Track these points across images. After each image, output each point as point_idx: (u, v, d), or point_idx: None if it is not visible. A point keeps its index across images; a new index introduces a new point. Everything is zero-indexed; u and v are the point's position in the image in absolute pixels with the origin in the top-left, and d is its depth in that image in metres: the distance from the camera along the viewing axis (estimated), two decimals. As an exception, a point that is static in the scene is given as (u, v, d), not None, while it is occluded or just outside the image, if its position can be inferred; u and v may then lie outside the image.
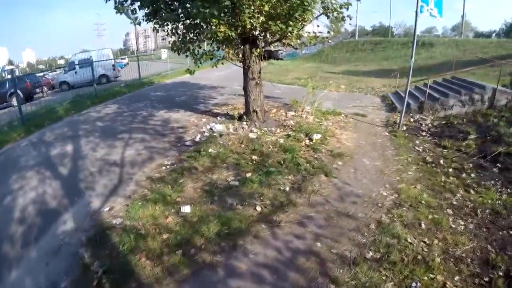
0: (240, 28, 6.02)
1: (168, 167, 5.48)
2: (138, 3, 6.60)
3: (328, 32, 7.62)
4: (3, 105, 15.30)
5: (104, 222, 4.06)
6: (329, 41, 7.67)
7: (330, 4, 6.46)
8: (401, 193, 4.44)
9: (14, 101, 17.34)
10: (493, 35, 49.24)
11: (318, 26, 8.10)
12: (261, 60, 7.15)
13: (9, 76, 22.44)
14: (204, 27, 6.30)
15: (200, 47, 7.15)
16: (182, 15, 6.51)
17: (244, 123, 7.16)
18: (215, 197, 4.42)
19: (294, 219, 3.89)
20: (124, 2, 6.52)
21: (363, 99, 10.83)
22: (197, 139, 6.70)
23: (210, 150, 5.71)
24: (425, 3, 6.56)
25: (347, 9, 6.53)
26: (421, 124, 7.57)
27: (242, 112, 7.90)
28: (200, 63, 7.02)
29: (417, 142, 6.49)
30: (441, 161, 5.47)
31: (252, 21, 5.73)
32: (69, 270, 3.29)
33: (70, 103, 12.76)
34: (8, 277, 3.34)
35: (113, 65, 22.64)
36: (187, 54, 7.02)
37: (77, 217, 4.26)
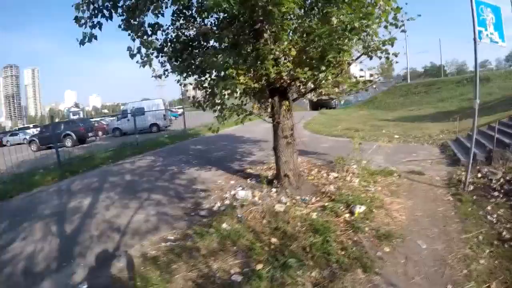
0: (264, 78, 5.06)
1: (169, 243, 4.52)
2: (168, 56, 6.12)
3: (371, 76, 6.31)
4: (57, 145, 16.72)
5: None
6: (374, 86, 6.31)
7: (370, 41, 5.16)
8: (469, 301, 2.92)
9: (68, 142, 18.68)
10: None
11: (361, 70, 6.90)
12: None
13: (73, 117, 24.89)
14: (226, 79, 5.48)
15: (224, 101, 6.07)
16: (193, 66, 5.78)
17: (274, 189, 5.90)
18: (206, 298, 3.29)
19: None
20: (150, 55, 5.89)
21: (419, 151, 9.13)
22: (216, 207, 5.69)
23: (223, 225, 4.62)
24: (483, 27, 5.34)
25: (392, 45, 5.05)
26: (491, 180, 5.77)
27: (274, 174, 6.60)
28: (225, 119, 6.01)
29: (488, 208, 4.78)
30: (523, 238, 3.81)
31: (277, 69, 4.71)
32: None
33: (112, 151, 13.13)
34: None
35: (164, 115, 23.60)
36: (215, 109, 6.12)
37: (53, 288, 3.74)
